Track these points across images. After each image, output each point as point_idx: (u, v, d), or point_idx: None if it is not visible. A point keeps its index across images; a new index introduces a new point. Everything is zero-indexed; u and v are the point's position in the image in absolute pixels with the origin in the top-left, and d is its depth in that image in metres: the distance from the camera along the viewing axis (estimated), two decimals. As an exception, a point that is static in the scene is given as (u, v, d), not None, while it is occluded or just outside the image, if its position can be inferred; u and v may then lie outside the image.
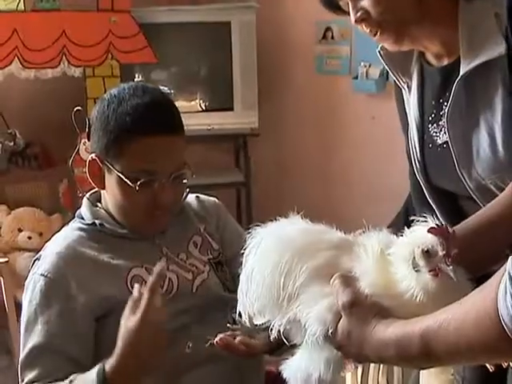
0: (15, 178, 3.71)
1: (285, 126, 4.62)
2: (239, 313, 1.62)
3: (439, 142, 1.79)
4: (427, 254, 1.22)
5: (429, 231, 1.24)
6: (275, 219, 1.45)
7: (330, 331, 1.27)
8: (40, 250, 1.84)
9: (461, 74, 1.67)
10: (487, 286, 1.05)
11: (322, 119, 4.51)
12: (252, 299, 1.40)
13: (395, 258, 1.27)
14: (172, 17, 4.18)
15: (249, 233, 1.43)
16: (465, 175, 1.72)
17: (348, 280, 1.28)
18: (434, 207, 1.88)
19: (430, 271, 1.22)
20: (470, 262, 1.26)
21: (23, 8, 3.68)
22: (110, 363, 1.57)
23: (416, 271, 1.23)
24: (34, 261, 1.81)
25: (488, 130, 1.66)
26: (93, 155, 1.79)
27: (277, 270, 1.35)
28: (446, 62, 1.77)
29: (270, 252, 1.39)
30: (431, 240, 1.23)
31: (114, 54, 3.89)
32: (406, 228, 2.35)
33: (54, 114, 3.96)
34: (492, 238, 1.05)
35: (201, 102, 4.29)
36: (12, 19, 3.66)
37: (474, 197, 1.73)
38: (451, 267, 1.20)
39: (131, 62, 4.05)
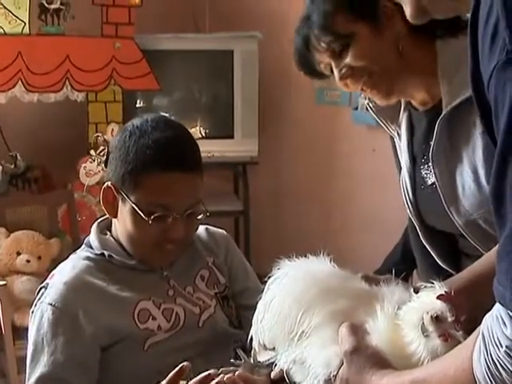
0: (15, 201, 3.71)
1: (284, 155, 4.64)
2: (243, 348, 1.62)
3: (429, 182, 1.83)
4: (437, 319, 1.24)
5: (438, 298, 1.26)
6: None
7: (333, 375, 1.29)
8: (38, 274, 1.85)
9: (442, 114, 1.70)
10: (466, 343, 1.08)
11: (321, 149, 4.52)
12: (265, 327, 1.41)
13: (404, 323, 1.28)
14: (175, 44, 4.21)
15: (276, 263, 1.43)
16: (453, 212, 1.75)
17: (354, 329, 1.30)
18: (429, 248, 1.90)
19: (439, 336, 1.23)
20: None
21: (28, 32, 3.71)
22: None
23: (425, 336, 1.24)
24: (40, 289, 1.81)
25: (471, 166, 1.70)
26: (109, 183, 1.79)
27: (296, 305, 1.36)
28: (430, 105, 1.81)
29: (294, 286, 1.40)
30: (440, 306, 1.25)
31: (116, 80, 3.91)
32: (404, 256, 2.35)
33: (56, 138, 3.99)
34: (481, 295, 1.08)
35: (201, 129, 4.30)
36: (17, 43, 3.68)
37: (465, 234, 1.75)
38: (461, 332, 1.21)
39: (134, 89, 4.07)
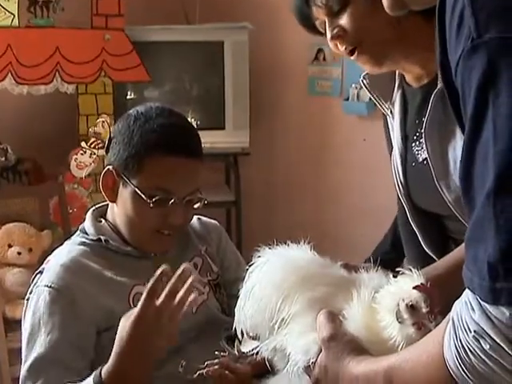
0: (6, 194, 3.70)
1: (275, 146, 4.65)
2: (227, 340, 1.63)
3: (420, 159, 1.83)
4: (412, 308, 1.26)
5: (414, 288, 1.27)
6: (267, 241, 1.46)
7: (311, 361, 1.30)
8: (29, 266, 1.85)
9: (437, 87, 1.71)
10: (437, 329, 1.10)
11: (312, 140, 4.53)
12: (247, 315, 1.42)
13: (380, 307, 1.30)
14: (165, 35, 4.21)
15: (256, 251, 1.44)
16: (443, 188, 1.75)
17: (332, 316, 1.31)
18: (418, 233, 1.90)
19: (413, 324, 1.25)
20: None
21: (18, 24, 3.68)
22: (106, 366, 1.57)
23: (399, 322, 1.26)
24: (36, 275, 1.81)
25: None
26: (110, 167, 1.81)
27: (276, 293, 1.38)
28: (425, 81, 1.81)
29: (274, 274, 1.41)
30: (416, 295, 1.26)
31: (107, 72, 3.90)
32: (393, 250, 2.35)
33: (46, 130, 3.98)
34: (456, 284, 1.09)
35: (192, 120, 4.30)
36: (6, 35, 3.66)
37: (455, 211, 1.76)
38: (433, 323, 1.23)
39: (124, 80, 4.06)
